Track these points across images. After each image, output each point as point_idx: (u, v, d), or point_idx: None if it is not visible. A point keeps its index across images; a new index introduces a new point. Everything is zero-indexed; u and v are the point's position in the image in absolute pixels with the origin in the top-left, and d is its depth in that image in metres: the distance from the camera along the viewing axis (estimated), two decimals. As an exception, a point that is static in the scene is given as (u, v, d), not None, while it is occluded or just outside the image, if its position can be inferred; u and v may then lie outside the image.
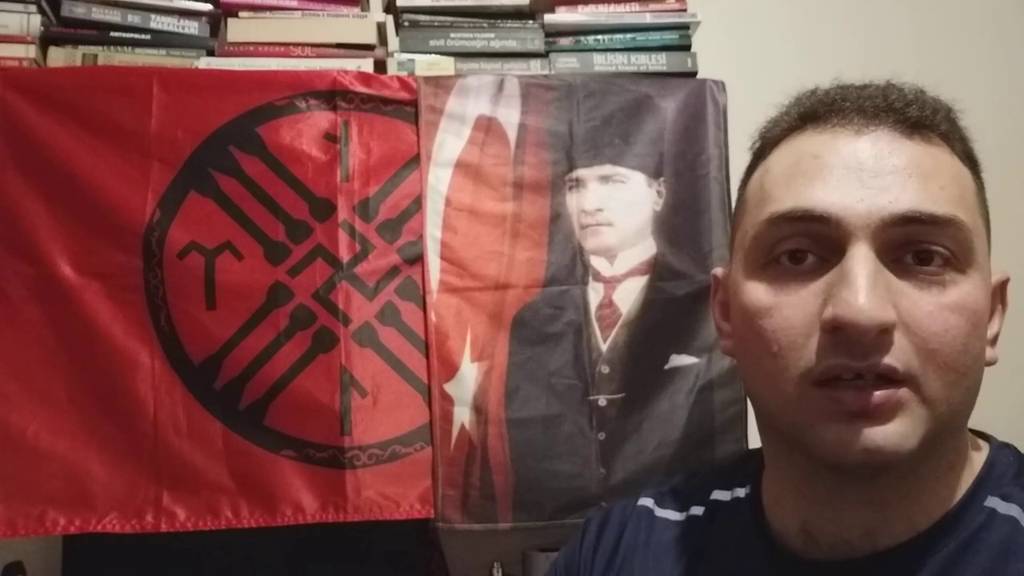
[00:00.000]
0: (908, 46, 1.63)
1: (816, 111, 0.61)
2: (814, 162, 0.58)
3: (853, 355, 0.53)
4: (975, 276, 0.56)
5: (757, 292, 0.58)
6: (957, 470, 0.59)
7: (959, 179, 0.58)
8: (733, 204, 0.70)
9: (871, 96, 0.59)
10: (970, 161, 0.61)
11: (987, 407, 0.73)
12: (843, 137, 0.58)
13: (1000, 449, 0.63)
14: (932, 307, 0.54)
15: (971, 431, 0.65)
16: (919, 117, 0.58)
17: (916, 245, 0.55)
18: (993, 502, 0.58)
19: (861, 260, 0.53)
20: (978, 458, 0.62)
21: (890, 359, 0.52)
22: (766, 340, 0.57)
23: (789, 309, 0.56)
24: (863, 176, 0.55)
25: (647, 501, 0.76)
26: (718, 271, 0.70)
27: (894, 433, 0.52)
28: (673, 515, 0.73)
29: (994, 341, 0.61)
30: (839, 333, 0.53)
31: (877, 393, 0.52)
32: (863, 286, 0.52)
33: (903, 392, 0.53)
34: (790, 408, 0.56)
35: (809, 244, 0.57)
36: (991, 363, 0.59)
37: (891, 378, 0.53)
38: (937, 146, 0.58)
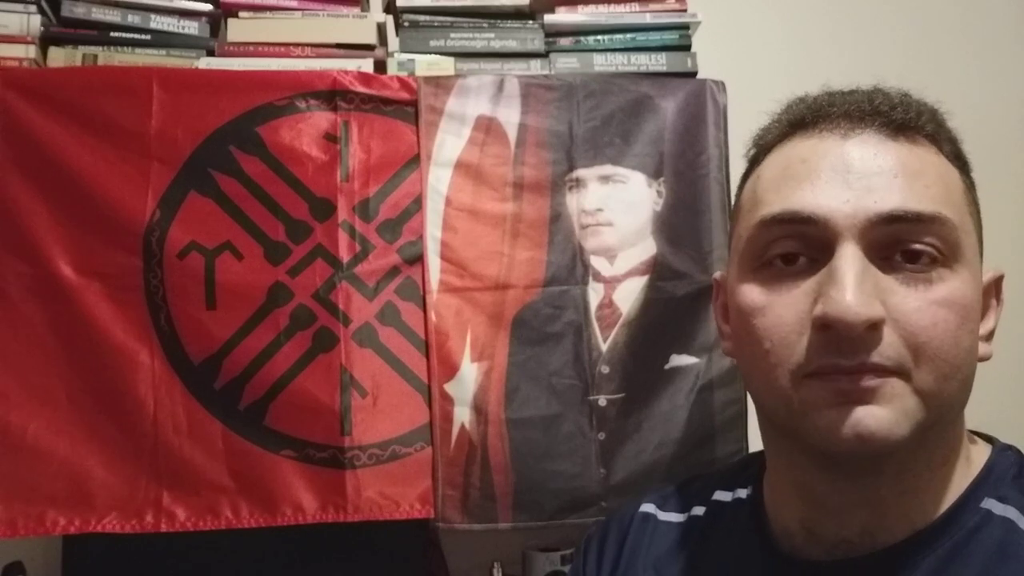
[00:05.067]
0: (907, 46, 1.63)
1: (804, 117, 0.62)
2: (802, 166, 0.59)
3: (843, 352, 0.53)
4: (963, 272, 0.56)
5: (751, 292, 0.60)
6: (951, 464, 0.60)
7: (945, 178, 0.59)
8: (732, 205, 0.70)
9: (857, 101, 0.61)
10: (958, 161, 0.61)
11: (984, 405, 0.73)
12: (830, 141, 0.59)
13: (1002, 451, 0.63)
14: (920, 303, 0.54)
15: (976, 433, 0.65)
16: (904, 119, 0.59)
17: (903, 243, 0.56)
18: (989, 503, 0.58)
19: (848, 259, 0.54)
20: (979, 459, 0.62)
21: (878, 356, 0.53)
22: (760, 338, 0.58)
23: (781, 308, 0.57)
24: (849, 178, 0.56)
25: (648, 507, 0.76)
26: (719, 275, 0.70)
27: (885, 419, 0.53)
28: (675, 517, 0.74)
29: (989, 337, 0.61)
30: (829, 330, 0.54)
31: (868, 378, 0.53)
32: (850, 284, 0.53)
33: (894, 381, 0.54)
34: (784, 399, 0.57)
35: (799, 245, 0.58)
36: (985, 359, 0.60)
37: (882, 370, 0.53)
38: (923, 147, 0.59)
